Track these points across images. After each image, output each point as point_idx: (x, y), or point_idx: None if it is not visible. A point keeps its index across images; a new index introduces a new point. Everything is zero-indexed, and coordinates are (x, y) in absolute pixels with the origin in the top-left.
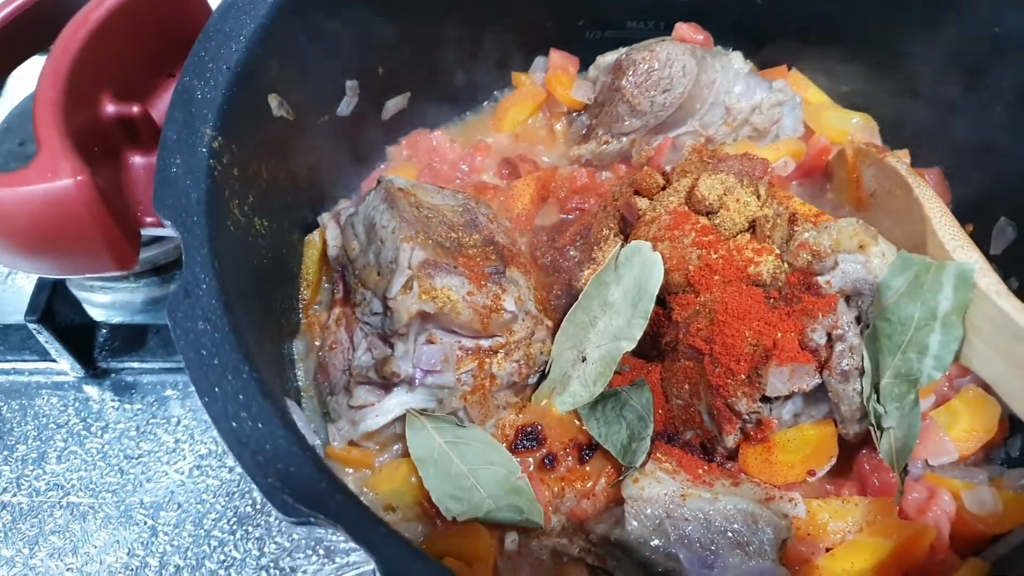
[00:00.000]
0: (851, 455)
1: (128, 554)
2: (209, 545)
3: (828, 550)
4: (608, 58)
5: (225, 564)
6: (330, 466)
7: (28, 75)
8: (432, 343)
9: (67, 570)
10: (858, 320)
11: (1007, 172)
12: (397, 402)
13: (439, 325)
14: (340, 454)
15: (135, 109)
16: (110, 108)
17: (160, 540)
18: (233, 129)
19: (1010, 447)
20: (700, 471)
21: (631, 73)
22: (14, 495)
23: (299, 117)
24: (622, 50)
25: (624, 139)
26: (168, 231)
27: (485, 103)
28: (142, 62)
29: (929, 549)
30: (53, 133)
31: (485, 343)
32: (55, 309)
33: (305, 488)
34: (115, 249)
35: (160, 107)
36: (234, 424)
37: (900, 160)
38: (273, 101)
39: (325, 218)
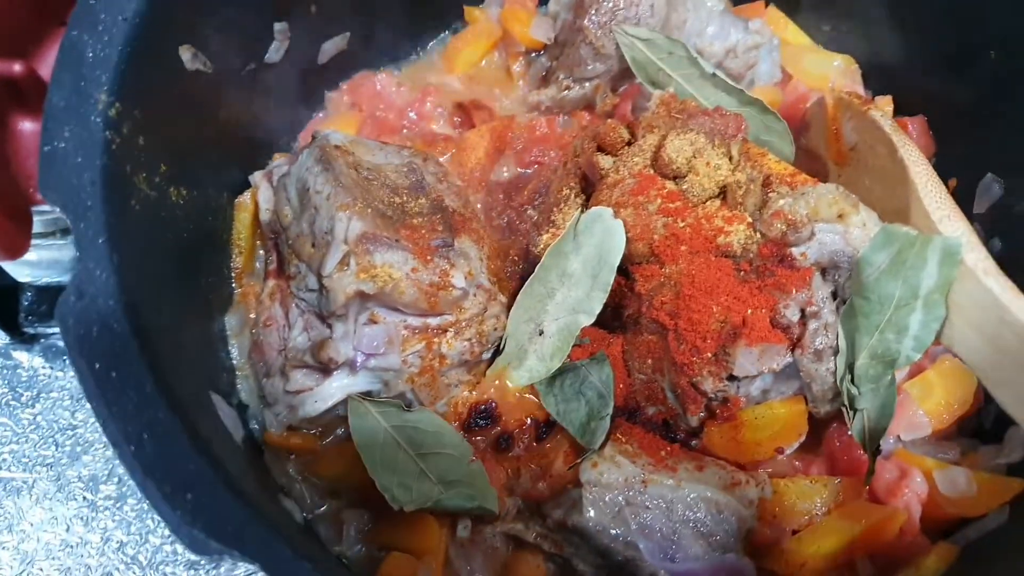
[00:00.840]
0: (820, 430)
1: (67, 530)
2: (153, 519)
3: (795, 532)
4: None
5: (171, 538)
6: (268, 452)
7: None
8: (375, 323)
9: (2, 548)
10: (834, 295)
11: (996, 124)
12: (338, 386)
13: (381, 304)
14: (278, 440)
15: (17, 67)
16: None
17: (101, 515)
18: (135, 92)
19: (984, 418)
20: (663, 453)
21: (594, 11)
22: None
23: (219, 68)
24: None
25: (587, 84)
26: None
27: (434, 42)
28: (25, 9)
29: (898, 532)
30: None
31: (433, 322)
32: None
33: (219, 520)
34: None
35: (50, 62)
36: (134, 448)
37: (884, 114)
38: (186, 53)
39: (257, 177)
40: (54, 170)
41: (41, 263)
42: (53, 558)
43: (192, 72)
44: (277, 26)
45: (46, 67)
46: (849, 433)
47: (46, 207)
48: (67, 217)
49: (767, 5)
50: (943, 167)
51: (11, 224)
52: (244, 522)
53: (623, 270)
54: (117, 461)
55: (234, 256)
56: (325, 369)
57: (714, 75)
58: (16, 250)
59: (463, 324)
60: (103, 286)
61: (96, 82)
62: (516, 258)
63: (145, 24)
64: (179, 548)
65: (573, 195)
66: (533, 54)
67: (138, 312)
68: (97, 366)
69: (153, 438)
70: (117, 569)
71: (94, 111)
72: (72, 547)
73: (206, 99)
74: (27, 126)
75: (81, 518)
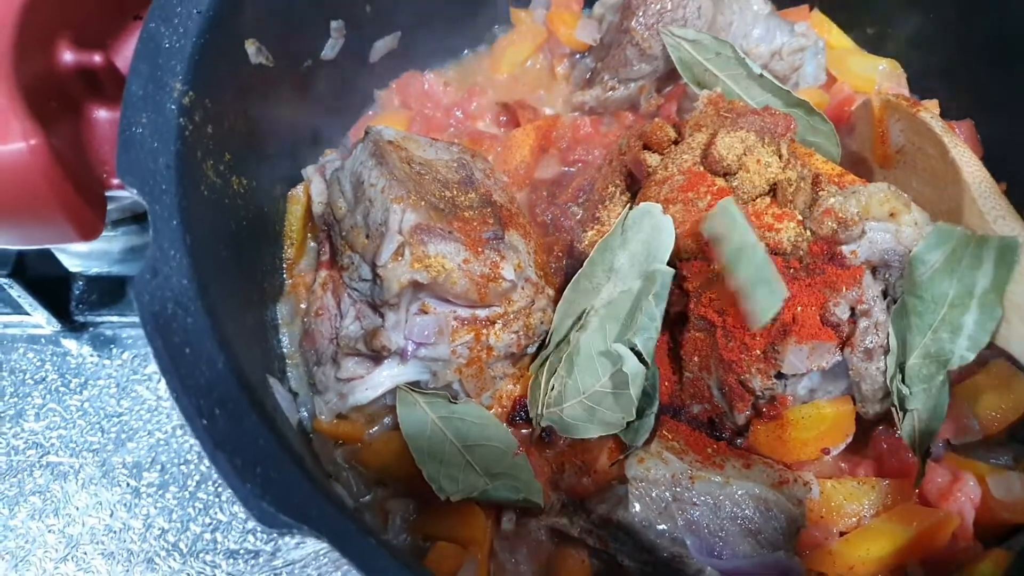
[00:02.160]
0: (867, 431)
1: (111, 515)
2: (194, 508)
3: (842, 534)
4: None
5: (211, 527)
6: (316, 439)
7: None
8: (425, 313)
9: (48, 531)
10: (884, 294)
11: None
12: (388, 375)
13: (433, 294)
14: (328, 427)
15: (97, 58)
16: (68, 57)
17: (143, 502)
18: (206, 81)
19: None
20: (709, 450)
21: (641, 13)
22: None
23: (280, 63)
24: None
25: (632, 85)
26: (133, 196)
27: (481, 43)
28: (104, 3)
29: (951, 537)
30: (2, 89)
31: (482, 313)
32: (26, 262)
33: (287, 494)
34: (77, 218)
35: (126, 54)
36: (206, 422)
37: (934, 115)
38: (251, 47)
39: (310, 171)
40: (132, 154)
41: (92, 254)
42: (97, 542)
43: (255, 66)
44: (334, 24)
45: (121, 59)
46: (898, 434)
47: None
48: (143, 199)
49: (812, 9)
50: (991, 171)
51: (88, 209)
52: (310, 497)
53: (671, 266)
54: (160, 449)
55: (286, 248)
56: (377, 357)
57: (761, 76)
58: (92, 231)
59: (511, 316)
60: (177, 265)
61: (172, 71)
62: (560, 254)
63: (217, 18)
64: (219, 536)
65: (618, 193)
66: (577, 56)
67: (209, 292)
68: (174, 340)
69: (225, 413)
70: (158, 555)
71: (170, 99)
72: (115, 532)
73: (266, 92)
74: (103, 114)
75: (124, 504)
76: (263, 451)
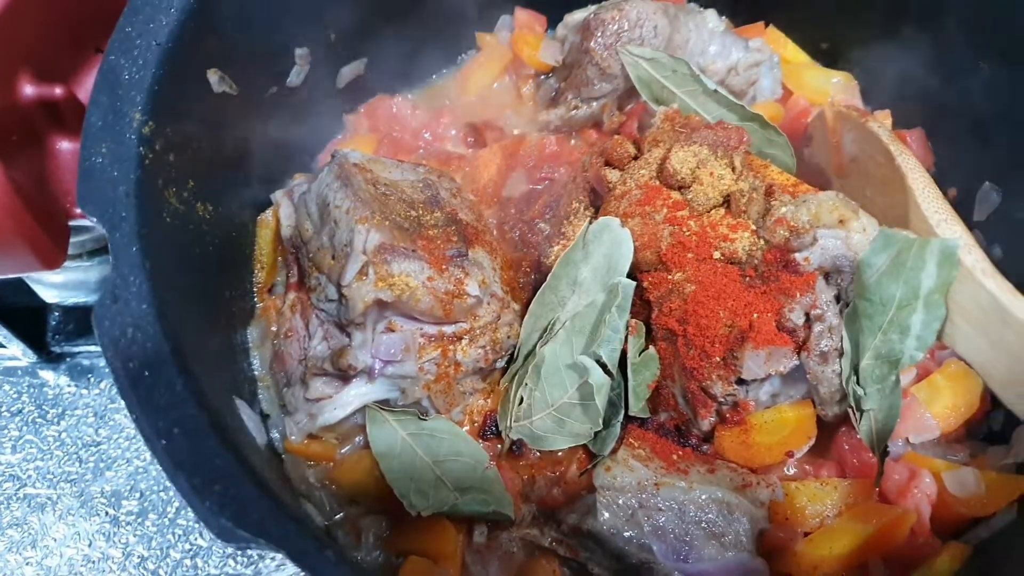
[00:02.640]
0: (829, 433)
1: (89, 546)
2: (174, 534)
3: (806, 535)
4: (576, 16)
5: (191, 553)
6: (288, 460)
7: None
8: (392, 331)
9: (26, 564)
10: (837, 299)
11: (991, 134)
12: (356, 394)
13: (398, 312)
14: (299, 448)
15: (58, 91)
16: (29, 90)
17: (123, 530)
18: (167, 111)
19: (992, 421)
20: (674, 457)
21: (600, 34)
22: None
23: (244, 91)
24: (591, 8)
25: (594, 104)
26: (93, 224)
27: (448, 66)
28: (65, 37)
29: (909, 533)
30: None
31: (448, 329)
32: (1, 294)
33: (245, 511)
34: (39, 249)
35: (88, 86)
36: (164, 442)
37: (882, 125)
38: (213, 76)
39: (278, 195)
40: (91, 183)
41: (68, 284)
42: (75, 573)
43: (219, 94)
44: (298, 51)
45: (82, 91)
46: (858, 436)
47: (76, 224)
48: (103, 227)
49: (767, 26)
50: (942, 177)
51: (49, 237)
52: (269, 513)
53: (631, 278)
54: (139, 477)
55: (256, 271)
56: (344, 376)
57: (716, 91)
58: (54, 261)
59: (477, 332)
60: (137, 291)
61: (131, 102)
62: (528, 269)
63: (176, 49)
64: (199, 562)
65: (582, 208)
66: (542, 76)
67: (169, 317)
68: (131, 365)
69: (183, 433)
70: None
71: (129, 128)
72: (94, 562)
73: (231, 120)
74: (65, 146)
75: (103, 533)
76: (221, 470)
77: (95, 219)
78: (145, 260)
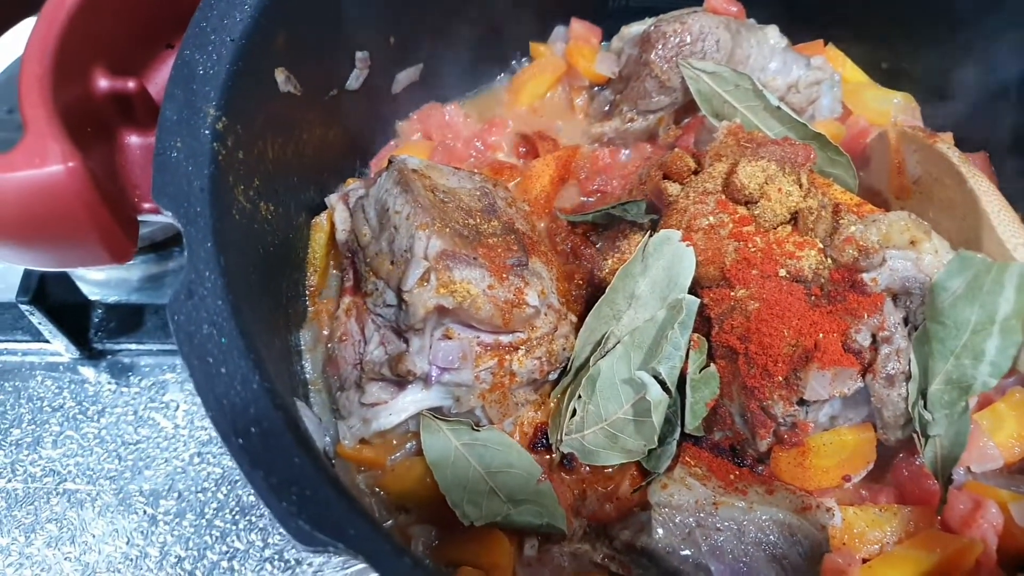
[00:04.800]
0: (887, 458)
1: (127, 543)
2: (211, 535)
3: (865, 561)
4: (634, 29)
5: (228, 555)
6: (339, 464)
7: (19, 38)
8: (449, 339)
9: (65, 559)
10: (905, 321)
11: None
12: (412, 400)
13: (457, 320)
14: (350, 453)
15: (131, 84)
16: (103, 83)
17: (160, 529)
18: (238, 108)
19: None
20: (731, 476)
21: (660, 46)
22: (9, 481)
23: (307, 92)
24: (649, 21)
25: (651, 117)
26: (168, 218)
27: (501, 75)
28: (138, 32)
29: (975, 564)
30: (41, 112)
31: (505, 339)
32: (47, 289)
33: (323, 513)
34: (110, 241)
35: (158, 81)
36: (242, 441)
37: (951, 146)
38: (280, 75)
39: (333, 199)
40: (167, 177)
41: (110, 282)
42: (114, 570)
43: (284, 94)
44: (359, 55)
45: (152, 86)
46: (919, 461)
47: None
48: (178, 221)
49: (826, 44)
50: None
51: (120, 231)
52: (346, 516)
53: (692, 294)
54: (177, 477)
55: (309, 275)
56: (401, 382)
57: (778, 108)
58: (124, 254)
59: (534, 342)
60: (211, 287)
61: (205, 97)
62: (581, 282)
63: (249, 46)
64: (236, 564)
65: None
66: (596, 88)
67: (242, 314)
68: (210, 361)
69: (260, 432)
70: None
71: (203, 123)
72: (132, 560)
73: (293, 121)
74: (135, 139)
75: (141, 532)
76: (298, 470)
77: (170, 213)
78: (219, 256)
